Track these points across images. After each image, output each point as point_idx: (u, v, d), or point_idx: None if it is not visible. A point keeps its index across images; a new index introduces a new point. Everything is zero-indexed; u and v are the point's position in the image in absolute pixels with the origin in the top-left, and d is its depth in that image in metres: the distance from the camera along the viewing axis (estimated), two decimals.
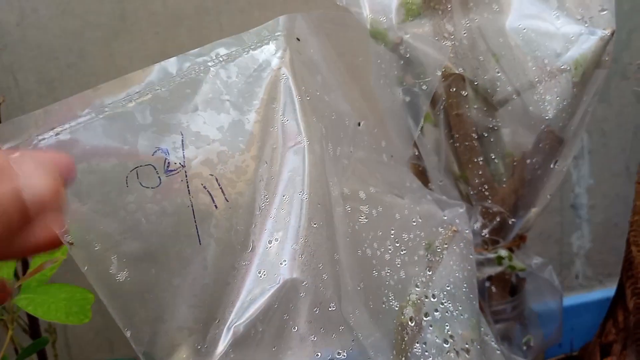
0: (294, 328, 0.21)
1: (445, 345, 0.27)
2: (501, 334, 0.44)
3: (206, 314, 0.20)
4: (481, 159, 0.37)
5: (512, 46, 0.33)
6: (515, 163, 0.38)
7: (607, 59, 0.36)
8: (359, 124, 0.29)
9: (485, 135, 0.36)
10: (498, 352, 0.32)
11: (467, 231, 0.31)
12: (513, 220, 0.39)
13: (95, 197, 0.20)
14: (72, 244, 0.19)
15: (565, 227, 0.74)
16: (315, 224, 0.22)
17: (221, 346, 0.19)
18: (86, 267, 0.20)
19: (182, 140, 0.21)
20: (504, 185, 0.39)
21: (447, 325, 0.27)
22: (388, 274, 0.27)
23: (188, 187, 0.21)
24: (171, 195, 0.20)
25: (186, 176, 0.21)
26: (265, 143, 0.22)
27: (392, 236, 0.27)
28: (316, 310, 0.21)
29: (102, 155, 0.20)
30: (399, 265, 0.27)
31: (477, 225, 0.40)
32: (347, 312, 0.22)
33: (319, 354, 0.21)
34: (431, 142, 0.37)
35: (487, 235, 0.40)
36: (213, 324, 0.20)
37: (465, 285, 0.30)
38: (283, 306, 0.20)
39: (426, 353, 0.26)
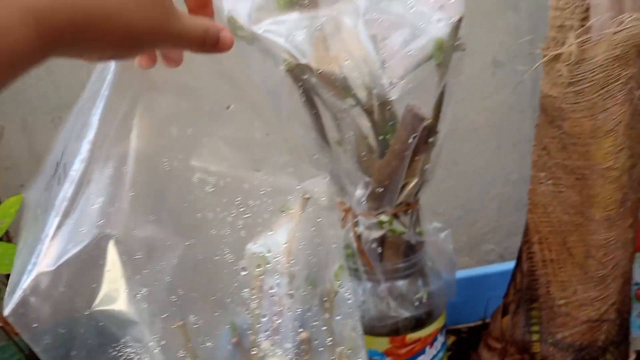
0: (109, 271, 0.27)
1: (271, 290, 0.33)
2: (394, 290, 0.49)
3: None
4: (353, 133, 0.41)
5: (362, 35, 0.37)
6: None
7: (460, 42, 0.39)
8: (228, 107, 0.34)
9: (339, 117, 0.40)
10: (349, 301, 0.37)
11: (323, 198, 0.36)
12: (380, 189, 0.43)
13: None
14: None
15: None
16: (132, 193, 0.27)
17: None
18: None
19: None
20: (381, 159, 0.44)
21: (276, 275, 0.33)
22: (227, 233, 0.32)
23: None
24: None
25: None
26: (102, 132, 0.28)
27: (237, 202, 0.33)
28: (124, 258, 0.27)
29: None
30: (240, 227, 0.33)
31: (360, 194, 0.45)
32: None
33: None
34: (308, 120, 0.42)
35: (364, 202, 0.45)
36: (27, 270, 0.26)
37: (315, 243, 0.35)
38: (99, 253, 0.26)
39: (253, 297, 0.32)
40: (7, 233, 0.46)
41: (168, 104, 0.31)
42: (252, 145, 0.35)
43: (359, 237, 0.47)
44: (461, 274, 0.72)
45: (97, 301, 0.27)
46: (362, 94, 0.43)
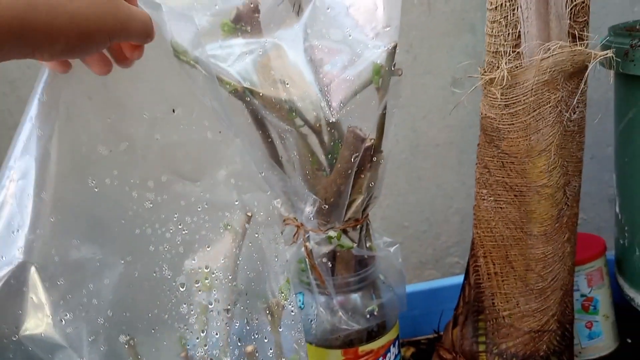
0: (32, 297, 0.28)
1: (210, 306, 0.34)
2: (346, 304, 0.51)
3: None
4: (297, 153, 0.43)
5: (302, 61, 0.39)
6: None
7: (397, 68, 0.42)
8: (174, 111, 0.35)
9: (284, 137, 0.42)
10: (293, 313, 0.39)
11: (262, 213, 0.38)
12: (327, 206, 0.45)
13: None
14: None
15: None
16: (53, 219, 0.29)
17: None
18: None
19: None
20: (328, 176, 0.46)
21: (214, 291, 0.34)
22: (166, 249, 0.34)
23: None
24: None
25: None
26: (12, 151, 0.29)
27: (175, 219, 0.34)
28: (47, 284, 0.28)
29: None
30: (178, 243, 0.34)
31: (308, 211, 0.47)
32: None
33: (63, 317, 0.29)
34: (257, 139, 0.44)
35: (313, 219, 0.47)
36: None
37: (253, 259, 0.37)
38: (21, 281, 0.28)
39: (192, 312, 0.34)
40: None
41: (96, 119, 0.32)
42: (204, 146, 0.36)
43: (310, 252, 0.49)
44: (420, 286, 0.74)
45: (22, 327, 0.28)
46: (309, 115, 0.45)
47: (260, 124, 0.42)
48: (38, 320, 0.28)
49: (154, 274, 0.33)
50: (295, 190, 0.47)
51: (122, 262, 0.32)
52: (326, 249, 0.48)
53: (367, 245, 0.52)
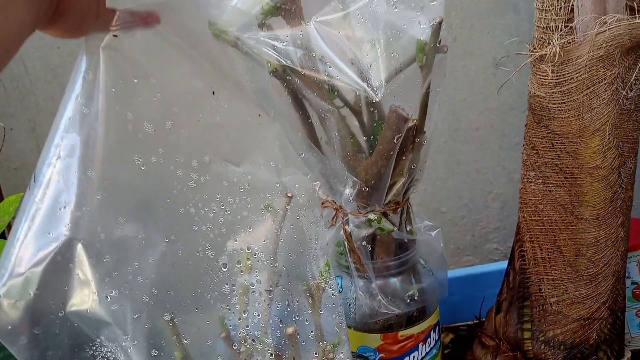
0: (79, 274, 0.28)
1: (251, 286, 0.34)
2: (386, 288, 0.50)
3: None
4: (337, 134, 0.42)
5: (346, 39, 0.38)
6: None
7: (442, 44, 0.40)
8: (213, 93, 0.35)
9: (325, 117, 0.41)
10: (333, 296, 0.38)
11: (303, 195, 0.37)
12: (367, 189, 0.44)
13: None
14: None
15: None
16: (99, 196, 0.29)
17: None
18: None
19: None
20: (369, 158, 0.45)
21: (256, 272, 0.34)
22: (209, 228, 0.33)
23: None
24: None
25: None
26: (57, 129, 0.29)
27: (218, 199, 0.34)
28: (93, 261, 0.28)
29: None
30: (221, 223, 0.34)
31: (348, 193, 0.46)
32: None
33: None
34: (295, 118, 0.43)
35: (352, 201, 0.46)
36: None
37: (294, 240, 0.36)
38: (68, 257, 0.28)
39: (233, 292, 0.33)
40: (6, 231, 0.48)
41: (142, 98, 0.31)
42: (244, 130, 0.36)
43: (349, 235, 0.48)
44: (460, 272, 0.72)
45: (69, 303, 0.28)
46: (349, 95, 0.44)
47: (300, 104, 0.42)
48: (84, 297, 0.28)
49: (197, 254, 0.33)
50: (334, 173, 0.46)
51: (166, 240, 0.31)
52: (366, 232, 0.47)
53: (408, 229, 0.50)
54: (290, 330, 0.37)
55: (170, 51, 0.33)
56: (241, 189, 0.35)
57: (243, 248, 0.34)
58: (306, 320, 0.37)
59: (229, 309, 0.34)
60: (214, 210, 0.34)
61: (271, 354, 0.35)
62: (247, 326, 0.34)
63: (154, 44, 0.32)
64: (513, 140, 0.78)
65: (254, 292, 0.34)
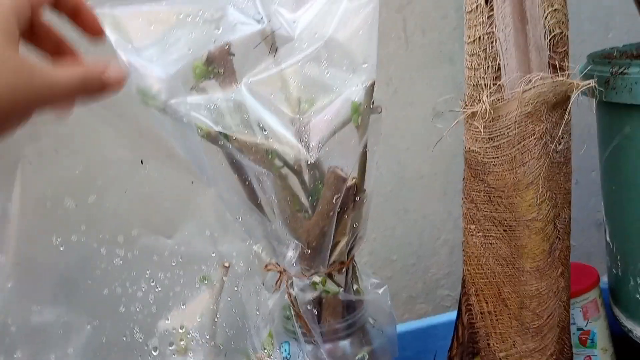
0: None
1: None
2: (335, 352, 0.48)
3: None
4: (275, 196, 0.41)
5: (278, 101, 0.38)
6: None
7: (376, 105, 0.41)
8: (142, 162, 0.34)
9: (261, 180, 0.41)
10: None
11: (241, 264, 0.36)
12: (310, 250, 0.43)
13: None
14: None
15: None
16: (10, 284, 0.26)
17: None
18: None
19: None
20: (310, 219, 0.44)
21: (190, 353, 0.32)
22: (138, 309, 0.31)
23: None
24: None
25: None
26: None
27: (147, 276, 0.32)
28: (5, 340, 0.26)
29: None
30: (151, 302, 0.32)
31: (291, 256, 0.45)
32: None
33: None
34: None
35: (295, 264, 0.44)
36: None
37: (233, 314, 0.35)
38: None
39: None
40: None
41: (63, 171, 0.30)
42: (169, 202, 0.35)
43: (294, 300, 0.47)
44: (411, 325, 0.71)
45: None
46: (288, 156, 0.43)
47: (236, 167, 0.41)
48: None
49: (124, 338, 0.30)
50: (276, 235, 0.44)
51: (89, 326, 0.29)
52: (311, 295, 0.46)
53: (355, 288, 0.49)
54: None
55: (94, 121, 0.32)
56: (173, 262, 0.33)
57: (176, 327, 0.32)
58: None
59: None
60: (143, 288, 0.32)
61: None
62: None
63: (76, 114, 0.31)
64: (457, 186, 0.79)
65: None
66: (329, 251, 0.45)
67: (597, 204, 0.74)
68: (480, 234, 0.48)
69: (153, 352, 0.31)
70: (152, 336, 0.31)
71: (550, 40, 0.43)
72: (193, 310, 0.33)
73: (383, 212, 0.79)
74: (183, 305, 0.33)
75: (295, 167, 0.44)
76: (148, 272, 0.32)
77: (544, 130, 0.44)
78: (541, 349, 0.47)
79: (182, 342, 0.32)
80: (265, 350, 0.36)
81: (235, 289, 0.35)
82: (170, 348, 0.32)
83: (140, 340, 0.31)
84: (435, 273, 0.84)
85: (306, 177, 0.45)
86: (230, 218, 0.36)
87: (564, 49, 0.44)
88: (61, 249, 0.29)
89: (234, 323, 0.34)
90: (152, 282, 0.32)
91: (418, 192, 0.80)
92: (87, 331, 0.29)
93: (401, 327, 0.68)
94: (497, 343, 0.48)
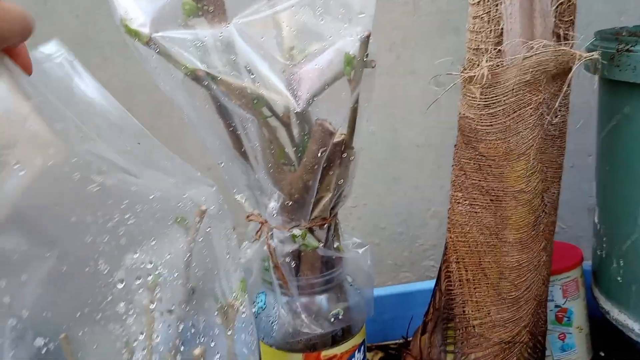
0: None
1: (151, 305, 0.31)
2: (310, 306, 0.48)
3: None
4: (259, 144, 0.40)
5: (269, 46, 0.36)
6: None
7: (371, 59, 0.39)
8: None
9: (246, 126, 0.40)
10: (244, 315, 0.36)
11: (212, 207, 0.35)
12: (291, 202, 0.43)
13: None
14: None
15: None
16: None
17: None
18: None
19: None
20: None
21: (158, 290, 0.31)
22: (105, 240, 0.30)
23: None
24: None
25: None
26: None
27: (123, 206, 0.31)
28: None
29: None
30: (121, 234, 0.31)
31: (272, 207, 0.44)
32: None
33: None
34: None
35: (276, 216, 0.44)
36: None
37: (202, 256, 0.34)
38: None
39: (130, 312, 0.31)
40: None
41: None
42: (150, 147, 0.33)
43: (273, 251, 0.46)
44: (391, 289, 0.71)
45: None
46: (276, 105, 0.42)
47: (221, 111, 0.40)
48: None
49: (87, 269, 0.30)
50: (259, 185, 0.44)
51: (48, 253, 0.28)
52: (290, 247, 0.45)
53: (335, 245, 0.49)
54: (197, 351, 0.34)
55: None
56: (151, 195, 0.32)
57: (145, 262, 0.32)
58: (212, 341, 0.35)
59: (123, 330, 0.31)
60: (116, 218, 0.31)
61: None
62: (144, 349, 0.32)
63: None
64: (450, 160, 0.79)
65: (154, 311, 0.31)
66: (312, 206, 0.44)
67: (590, 189, 0.73)
68: (467, 202, 0.47)
69: (118, 285, 0.31)
70: (118, 269, 0.31)
71: (557, 7, 0.42)
72: (163, 248, 0.32)
73: (375, 180, 0.79)
74: (153, 241, 0.32)
75: (283, 119, 0.43)
76: (126, 202, 0.31)
77: (541, 100, 0.43)
78: (515, 320, 0.47)
79: (150, 278, 0.32)
80: (235, 295, 0.36)
81: (207, 230, 0.34)
82: (137, 282, 0.31)
83: (105, 273, 0.30)
84: (422, 244, 0.84)
85: (295, 131, 0.44)
86: (189, 168, 0.34)
87: (570, 18, 0.43)
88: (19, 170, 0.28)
89: (203, 264, 0.34)
90: (127, 214, 0.31)
91: (411, 163, 0.79)
92: (45, 259, 0.28)
93: (381, 291, 0.69)
94: (472, 311, 0.48)
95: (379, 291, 0.67)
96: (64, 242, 0.29)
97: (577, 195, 0.80)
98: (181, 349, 0.33)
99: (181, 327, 0.33)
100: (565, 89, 0.43)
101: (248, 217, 0.48)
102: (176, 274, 0.32)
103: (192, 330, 0.34)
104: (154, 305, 0.31)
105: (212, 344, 0.35)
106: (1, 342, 0.27)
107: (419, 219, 0.82)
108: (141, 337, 0.31)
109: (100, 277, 0.30)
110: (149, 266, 0.32)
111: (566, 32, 0.42)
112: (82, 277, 0.29)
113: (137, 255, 0.31)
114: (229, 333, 0.36)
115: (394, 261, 0.84)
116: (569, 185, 0.78)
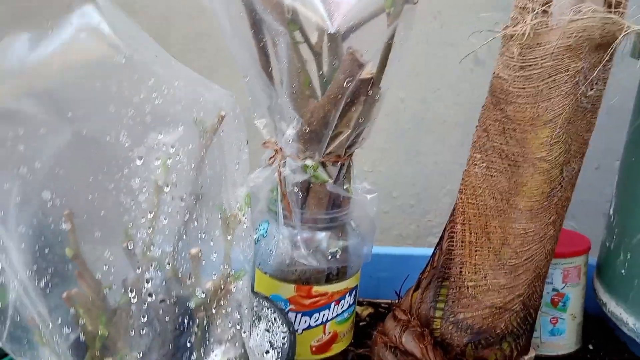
0: None
1: (165, 188, 0.32)
2: (310, 240, 0.49)
3: None
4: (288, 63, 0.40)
5: None
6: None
7: None
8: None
9: (276, 42, 0.39)
10: (245, 225, 0.37)
11: (231, 114, 0.35)
12: (309, 131, 0.43)
13: None
14: None
15: None
16: None
17: None
18: None
19: None
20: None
21: (174, 175, 0.32)
22: (130, 114, 0.30)
23: None
24: None
25: None
26: None
27: (150, 84, 0.31)
28: None
29: None
30: (147, 111, 0.31)
31: (289, 133, 0.44)
32: None
33: None
34: None
35: (292, 143, 0.44)
36: None
37: (214, 155, 0.34)
38: None
39: (143, 190, 0.31)
40: None
41: None
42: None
43: (283, 179, 0.47)
44: (392, 249, 0.72)
45: None
46: (312, 35, 0.42)
47: (255, 24, 0.40)
48: None
49: (108, 137, 0.30)
50: (279, 109, 0.44)
51: (70, 114, 0.29)
52: (300, 177, 0.46)
53: (345, 186, 0.49)
54: (193, 251, 0.35)
55: None
56: (176, 82, 0.32)
57: (167, 145, 0.32)
58: (212, 240, 0.35)
59: (133, 205, 0.31)
60: (142, 94, 0.31)
61: (168, 263, 0.33)
62: (150, 228, 0.32)
63: None
64: None
65: (166, 194, 0.32)
66: (328, 140, 0.44)
67: (610, 195, 0.72)
68: (484, 164, 0.47)
69: (137, 161, 0.31)
70: (139, 145, 0.31)
71: None
72: (186, 137, 0.32)
73: (396, 147, 0.78)
74: (181, 126, 0.32)
75: (316, 48, 0.43)
76: (152, 80, 0.31)
77: (579, 68, 0.42)
78: (510, 288, 0.47)
79: (169, 161, 0.32)
80: (238, 205, 0.36)
81: (222, 133, 0.34)
82: (156, 163, 0.32)
83: (126, 146, 0.31)
84: (431, 220, 0.84)
85: (324, 66, 0.44)
86: (206, 81, 0.34)
87: None
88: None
89: (213, 166, 0.34)
90: (154, 92, 0.31)
91: (435, 137, 0.78)
92: (67, 119, 0.28)
93: (384, 250, 0.69)
94: (469, 272, 0.48)
95: (379, 249, 0.67)
96: (86, 106, 0.30)
97: (597, 198, 0.79)
98: (184, 237, 0.34)
99: (187, 217, 0.34)
100: (605, 60, 0.42)
101: (264, 143, 0.49)
102: (193, 165, 0.33)
103: (195, 224, 0.34)
104: (168, 189, 0.32)
105: (212, 243, 0.35)
106: (10, 186, 0.27)
107: (432, 194, 0.81)
108: (150, 216, 0.32)
109: (120, 149, 0.31)
110: (171, 150, 0.32)
111: (619, 0, 0.41)
112: (102, 144, 0.30)
113: (162, 136, 0.31)
114: (229, 238, 0.36)
115: (399, 232, 0.84)
116: (591, 187, 0.76)
